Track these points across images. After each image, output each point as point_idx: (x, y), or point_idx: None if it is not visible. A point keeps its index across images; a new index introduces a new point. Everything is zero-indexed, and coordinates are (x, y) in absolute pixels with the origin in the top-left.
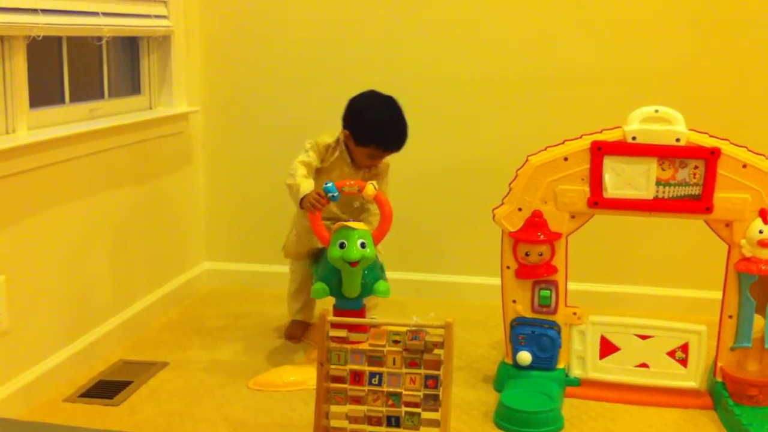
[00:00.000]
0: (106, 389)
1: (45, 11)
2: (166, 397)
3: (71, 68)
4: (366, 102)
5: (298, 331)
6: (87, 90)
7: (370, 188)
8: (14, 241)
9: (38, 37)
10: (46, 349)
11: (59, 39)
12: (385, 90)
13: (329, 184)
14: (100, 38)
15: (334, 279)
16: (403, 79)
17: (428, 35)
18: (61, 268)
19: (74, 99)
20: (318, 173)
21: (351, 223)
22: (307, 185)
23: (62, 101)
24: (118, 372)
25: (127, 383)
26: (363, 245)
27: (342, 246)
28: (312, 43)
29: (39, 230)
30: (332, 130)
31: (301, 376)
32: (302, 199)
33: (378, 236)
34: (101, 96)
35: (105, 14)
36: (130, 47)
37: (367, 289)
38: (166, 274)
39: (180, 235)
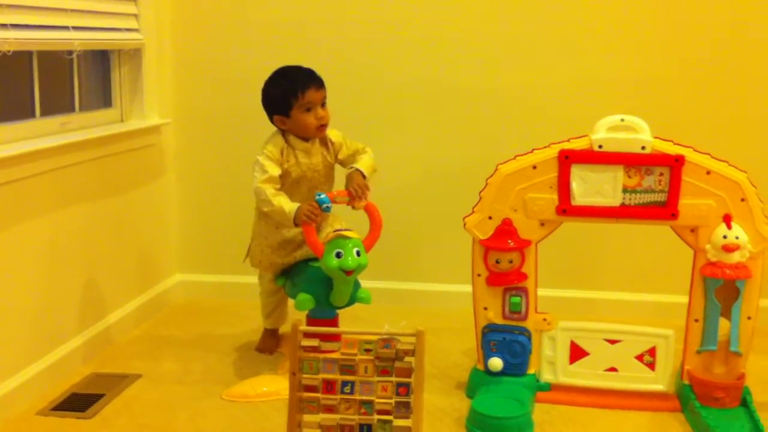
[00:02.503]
0: (78, 402)
1: (15, 26)
2: (140, 409)
3: (42, 82)
4: (266, 84)
5: (270, 344)
6: (58, 103)
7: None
8: None
9: (8, 52)
10: (17, 364)
11: (29, 53)
12: (359, 99)
13: (322, 196)
14: (70, 52)
15: (320, 289)
16: (378, 90)
17: (402, 48)
18: (33, 282)
19: (45, 113)
20: (283, 179)
21: (345, 232)
22: (287, 203)
23: (33, 115)
24: (90, 385)
25: (99, 396)
26: (358, 253)
27: (339, 255)
28: (283, 55)
29: (11, 244)
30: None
31: (274, 386)
32: (296, 216)
33: (369, 244)
34: (72, 109)
35: (75, 28)
36: (101, 60)
37: (352, 298)
38: (138, 287)
39: (152, 248)
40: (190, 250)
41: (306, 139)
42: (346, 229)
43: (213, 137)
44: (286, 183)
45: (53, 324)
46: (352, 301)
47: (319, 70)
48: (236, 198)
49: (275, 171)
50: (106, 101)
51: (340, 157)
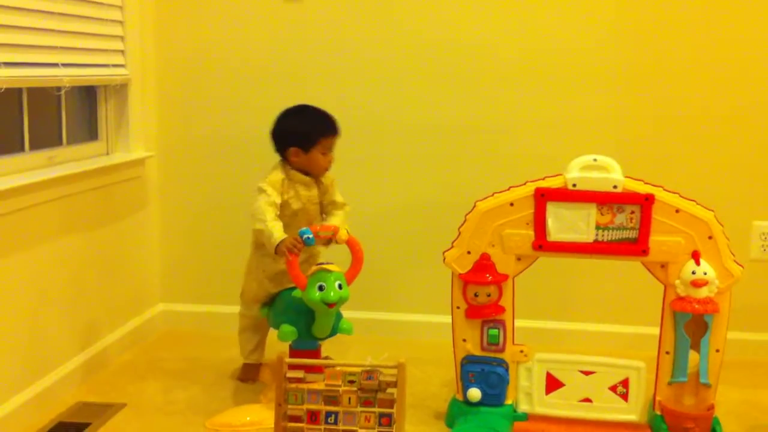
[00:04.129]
0: (65, 431)
1: (7, 64)
2: None
3: (30, 116)
4: (288, 118)
5: (252, 373)
6: (45, 137)
7: (344, 233)
8: None
9: (1, 89)
10: (4, 393)
11: (19, 89)
12: (342, 134)
13: (305, 229)
14: (59, 88)
15: (302, 321)
16: (358, 126)
17: (382, 82)
18: (21, 312)
19: (33, 146)
20: (282, 209)
21: (327, 266)
22: (279, 230)
23: (22, 149)
24: (76, 414)
25: (85, 425)
26: (340, 287)
27: (321, 288)
28: (263, 91)
29: (4, 274)
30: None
31: (257, 416)
32: (278, 245)
33: (350, 277)
34: (60, 143)
35: (65, 65)
36: (87, 95)
37: (334, 329)
38: (122, 316)
39: (136, 278)
40: (172, 279)
41: (307, 174)
42: (328, 263)
43: (194, 169)
44: (286, 214)
45: (40, 353)
46: (333, 332)
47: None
48: (217, 228)
49: (277, 198)
50: (92, 135)
51: (323, 199)
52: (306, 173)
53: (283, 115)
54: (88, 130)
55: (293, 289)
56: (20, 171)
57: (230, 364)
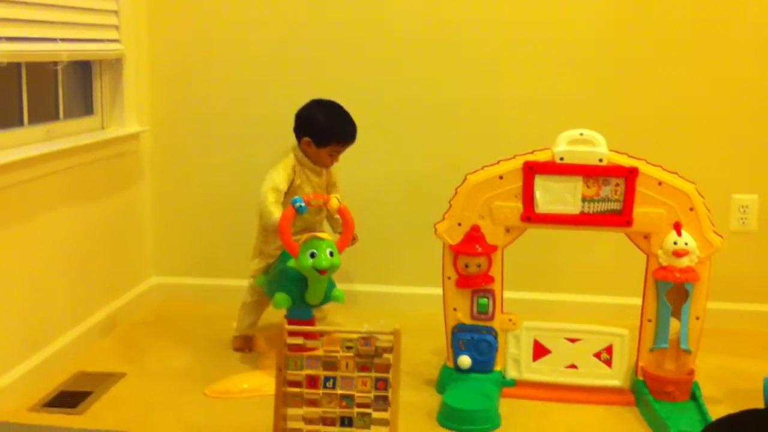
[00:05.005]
0: (68, 399)
1: (8, 39)
2: (128, 405)
3: (28, 91)
4: (314, 109)
5: (247, 343)
6: (43, 112)
7: (335, 201)
8: None
9: (2, 63)
10: (7, 363)
11: (18, 64)
12: None
13: (297, 197)
14: (56, 63)
15: (295, 288)
16: (351, 101)
17: (376, 60)
18: (19, 285)
19: (31, 121)
20: (290, 188)
21: (319, 234)
22: (277, 210)
23: (21, 123)
24: (78, 383)
25: (87, 393)
26: (331, 254)
27: (313, 255)
28: (257, 67)
29: (4, 248)
30: (284, 149)
31: (254, 383)
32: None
33: (342, 245)
34: (57, 117)
35: (63, 40)
36: (82, 70)
37: (326, 296)
38: (118, 288)
39: (130, 251)
40: (165, 252)
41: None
42: (320, 231)
43: (188, 144)
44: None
45: (40, 325)
46: (326, 300)
47: (295, 80)
48: (209, 203)
49: (282, 185)
50: (87, 109)
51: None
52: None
53: (313, 103)
54: (84, 105)
55: (287, 257)
56: (19, 144)
57: (225, 333)
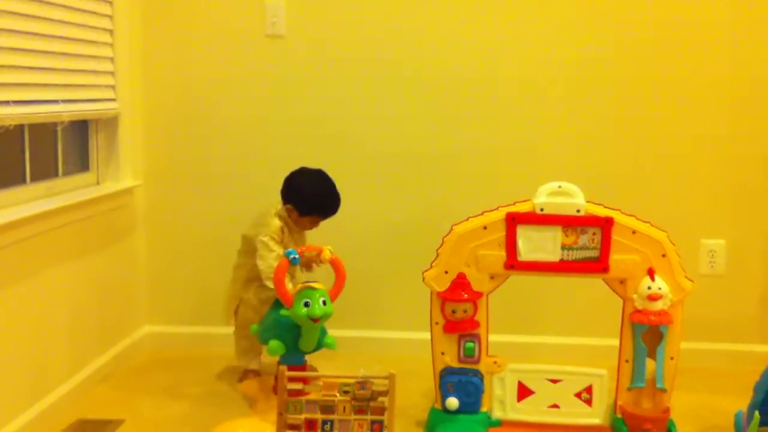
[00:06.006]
0: None
1: (15, 102)
2: None
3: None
4: (301, 179)
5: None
6: (43, 169)
7: (327, 253)
8: None
9: (10, 126)
10: (10, 412)
11: (22, 125)
12: (324, 162)
13: (291, 249)
14: (56, 123)
15: (289, 336)
16: (338, 155)
17: (365, 114)
18: (21, 336)
19: (33, 178)
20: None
21: (312, 284)
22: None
23: (24, 181)
24: (79, 430)
25: None
26: (324, 303)
27: (306, 305)
28: (246, 121)
29: (8, 302)
30: (267, 208)
31: (251, 428)
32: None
33: (334, 294)
34: (56, 174)
35: (64, 101)
36: (79, 128)
37: (319, 343)
38: (112, 338)
39: (124, 301)
40: (158, 302)
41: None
42: (313, 281)
43: (179, 197)
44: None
45: (39, 376)
46: (319, 346)
47: (287, 127)
48: (200, 253)
49: (280, 250)
50: (83, 165)
51: None
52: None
53: (301, 173)
54: (80, 162)
55: (280, 307)
56: (23, 202)
57: (218, 380)
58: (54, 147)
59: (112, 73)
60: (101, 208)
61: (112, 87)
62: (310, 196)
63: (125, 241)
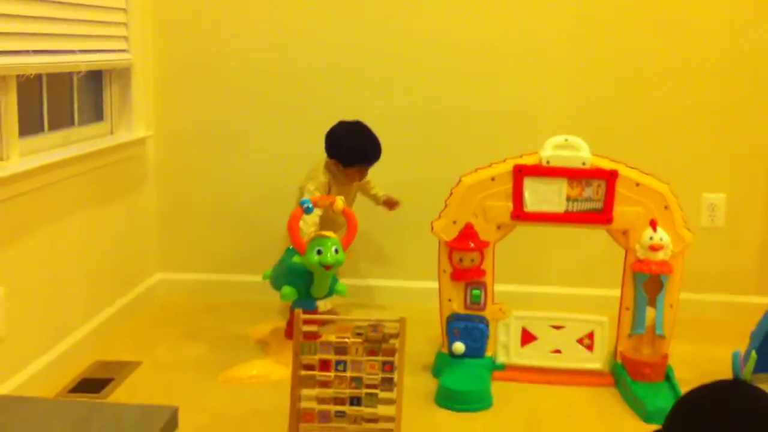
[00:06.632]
0: (90, 386)
1: (35, 52)
2: (147, 391)
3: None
4: (340, 133)
5: None
6: (60, 119)
7: (339, 203)
8: (11, 257)
9: (30, 75)
10: (30, 356)
11: (40, 74)
12: (336, 118)
13: (305, 199)
14: (74, 72)
15: (301, 282)
16: (355, 111)
17: (380, 74)
18: (39, 282)
19: (50, 127)
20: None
21: (325, 232)
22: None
23: (42, 130)
24: (98, 371)
25: (108, 380)
26: (336, 251)
27: (319, 252)
28: (258, 73)
29: (23, 251)
30: (318, 162)
31: (263, 370)
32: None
33: (346, 243)
34: (72, 124)
35: (81, 51)
36: (94, 79)
37: (330, 290)
38: (126, 284)
39: (137, 249)
40: (169, 250)
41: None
42: (326, 231)
43: (191, 147)
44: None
45: (58, 319)
46: (330, 293)
47: (295, 89)
48: (211, 203)
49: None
50: (98, 116)
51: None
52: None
53: (341, 128)
54: (95, 112)
55: (293, 254)
56: (42, 150)
57: (229, 325)
58: (70, 97)
59: (125, 24)
60: (115, 158)
61: (125, 38)
62: (350, 147)
63: (138, 191)
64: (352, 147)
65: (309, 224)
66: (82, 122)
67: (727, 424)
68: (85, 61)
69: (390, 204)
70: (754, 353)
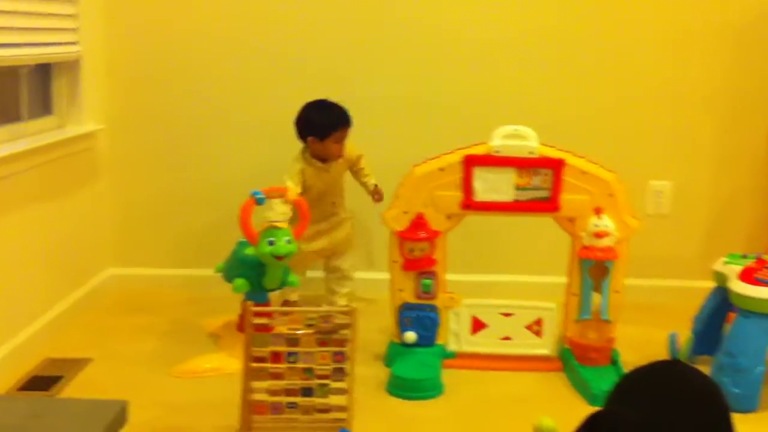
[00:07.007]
0: (41, 383)
1: None
2: (99, 387)
3: None
4: (308, 110)
5: None
6: (6, 113)
7: (292, 193)
8: None
9: None
10: None
11: None
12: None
13: (256, 190)
14: (21, 66)
15: (253, 274)
16: (305, 100)
17: (324, 62)
18: None
19: None
20: (304, 190)
21: (277, 223)
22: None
23: None
24: (48, 368)
25: (59, 377)
26: (288, 242)
27: (271, 243)
28: (210, 63)
29: None
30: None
31: (216, 363)
32: None
33: (297, 233)
34: (20, 118)
35: (28, 45)
36: (42, 72)
37: (283, 281)
38: (78, 280)
39: (89, 244)
40: (122, 245)
41: (323, 160)
42: (278, 221)
43: (143, 140)
44: (313, 196)
45: (8, 317)
46: (282, 284)
47: (252, 80)
48: (164, 197)
49: (296, 189)
50: (46, 109)
51: (353, 170)
52: (323, 159)
53: (304, 107)
54: (43, 106)
55: (245, 246)
56: None
57: (182, 320)
58: (17, 91)
59: (74, 16)
60: (65, 152)
61: (74, 30)
62: (320, 117)
63: (90, 185)
64: (321, 116)
65: (278, 213)
66: (30, 116)
67: (663, 399)
68: (32, 55)
69: (377, 195)
70: (690, 335)
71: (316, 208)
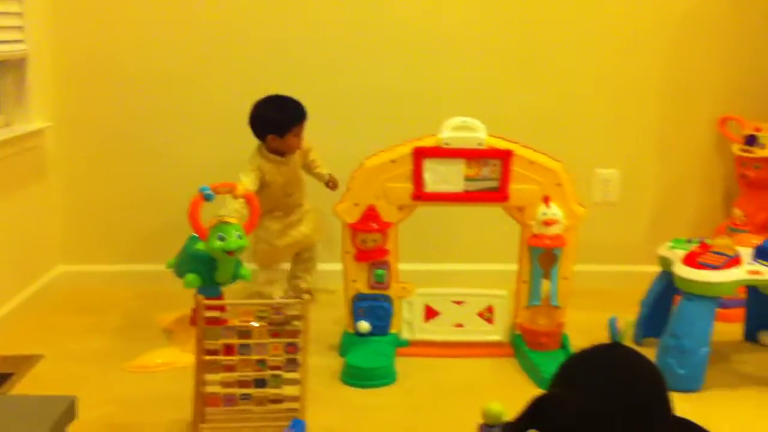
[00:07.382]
0: None
1: None
2: (50, 384)
3: None
4: (262, 107)
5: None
6: None
7: (241, 189)
8: None
9: None
10: None
11: None
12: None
13: (204, 186)
14: None
15: (204, 269)
16: (251, 98)
17: (272, 57)
18: None
19: None
20: (265, 186)
21: (227, 218)
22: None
23: None
24: None
25: (8, 375)
26: (239, 237)
27: (221, 238)
28: (159, 62)
29: None
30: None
31: (169, 357)
32: None
33: (248, 228)
34: None
35: None
36: None
37: (235, 275)
38: (26, 278)
39: (38, 241)
40: (71, 242)
41: (281, 155)
42: (227, 215)
43: (93, 138)
44: (276, 190)
45: None
46: (234, 278)
47: (201, 78)
48: (113, 194)
49: (252, 186)
50: None
51: (306, 162)
52: (280, 153)
53: (258, 106)
54: None
55: (196, 242)
56: None
57: (133, 315)
58: None
59: (19, 14)
60: (11, 150)
61: (20, 28)
62: (277, 113)
63: (37, 183)
64: (278, 113)
65: (230, 211)
66: None
67: (604, 381)
68: None
69: (332, 183)
70: (629, 319)
71: (280, 202)
